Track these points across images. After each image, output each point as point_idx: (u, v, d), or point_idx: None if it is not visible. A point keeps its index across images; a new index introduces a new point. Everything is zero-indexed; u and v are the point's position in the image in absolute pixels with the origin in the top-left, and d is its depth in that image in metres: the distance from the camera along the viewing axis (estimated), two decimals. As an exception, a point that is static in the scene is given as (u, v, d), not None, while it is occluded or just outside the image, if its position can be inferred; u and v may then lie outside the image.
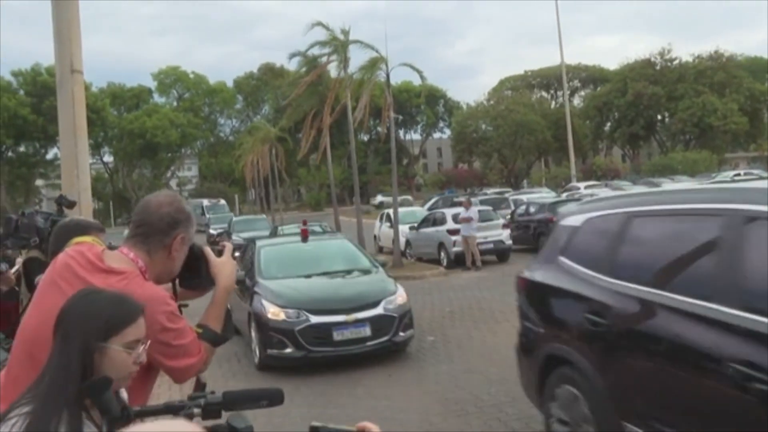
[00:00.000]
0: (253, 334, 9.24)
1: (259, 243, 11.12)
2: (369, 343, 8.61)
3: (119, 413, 1.49)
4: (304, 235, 11.39)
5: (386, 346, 8.76)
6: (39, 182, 70.26)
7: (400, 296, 9.19)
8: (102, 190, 72.15)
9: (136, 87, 78.34)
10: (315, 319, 8.54)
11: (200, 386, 1.89)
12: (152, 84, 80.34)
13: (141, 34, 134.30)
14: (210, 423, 1.61)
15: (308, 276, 9.79)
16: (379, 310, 8.78)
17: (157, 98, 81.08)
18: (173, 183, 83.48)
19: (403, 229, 21.98)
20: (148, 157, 75.09)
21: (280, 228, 21.71)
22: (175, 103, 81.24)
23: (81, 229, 2.69)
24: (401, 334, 8.89)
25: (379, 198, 63.01)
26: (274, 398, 1.75)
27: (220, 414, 1.65)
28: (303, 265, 10.20)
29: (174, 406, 1.64)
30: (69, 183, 6.16)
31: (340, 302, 8.85)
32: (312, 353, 8.49)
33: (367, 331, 8.61)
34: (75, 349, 1.63)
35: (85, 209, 5.98)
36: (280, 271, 10.00)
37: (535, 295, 5.27)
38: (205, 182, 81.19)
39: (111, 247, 2.18)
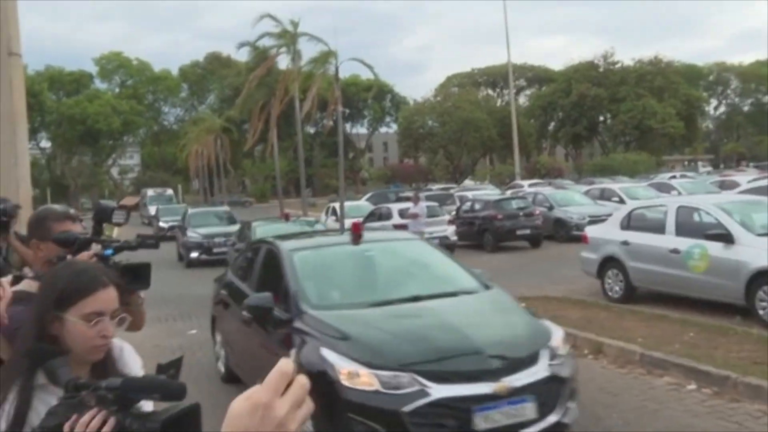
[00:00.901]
0: None
1: (284, 245, 6.76)
2: (531, 430, 4.73)
3: (64, 383, 1.43)
4: (356, 233, 6.88)
5: None
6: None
7: (559, 338, 5.34)
8: (38, 176, 70.11)
9: (77, 72, 76.40)
10: (439, 391, 4.60)
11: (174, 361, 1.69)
12: (94, 69, 78.51)
13: (82, 18, 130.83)
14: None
15: (385, 303, 5.71)
16: (541, 370, 4.92)
17: (99, 84, 79.37)
18: (114, 171, 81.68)
19: (350, 223, 21.98)
20: (88, 144, 73.32)
21: (254, 224, 17.05)
22: (117, 90, 79.47)
23: (56, 216, 2.64)
24: (569, 405, 5.03)
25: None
26: (169, 393, 1.38)
27: (129, 402, 1.38)
28: (371, 284, 6.44)
29: (87, 385, 1.42)
30: (7, 171, 5.99)
31: (476, 358, 4.86)
32: None
33: (530, 410, 4.76)
34: (32, 319, 1.69)
35: (24, 198, 5.81)
36: (335, 294, 6.15)
37: None
38: (147, 171, 79.66)
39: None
